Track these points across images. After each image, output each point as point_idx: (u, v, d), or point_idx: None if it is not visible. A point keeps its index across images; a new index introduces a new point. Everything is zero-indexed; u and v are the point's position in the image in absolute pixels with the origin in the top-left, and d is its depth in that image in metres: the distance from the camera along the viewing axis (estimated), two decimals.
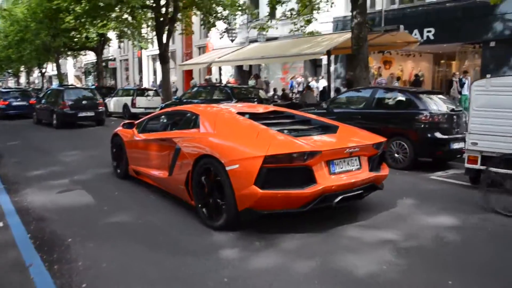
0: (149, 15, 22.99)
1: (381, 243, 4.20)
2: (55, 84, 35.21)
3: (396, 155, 7.91)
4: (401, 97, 8.23)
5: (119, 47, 35.91)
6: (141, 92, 18.75)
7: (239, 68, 27.66)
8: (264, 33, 17.03)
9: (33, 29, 32.63)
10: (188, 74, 32.68)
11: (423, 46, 19.01)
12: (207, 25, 21.77)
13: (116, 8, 21.29)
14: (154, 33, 29.56)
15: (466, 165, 6.44)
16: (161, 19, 20.85)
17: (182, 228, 4.64)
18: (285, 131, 4.71)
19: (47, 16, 28.17)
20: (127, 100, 18.14)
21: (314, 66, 24.74)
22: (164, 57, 21.28)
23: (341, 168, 4.40)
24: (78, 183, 6.65)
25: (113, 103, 19.18)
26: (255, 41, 20.05)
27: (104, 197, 5.86)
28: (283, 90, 18.97)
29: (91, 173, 7.37)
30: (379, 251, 4.01)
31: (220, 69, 22.45)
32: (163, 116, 6.67)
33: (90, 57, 44.96)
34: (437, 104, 7.96)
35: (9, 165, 8.25)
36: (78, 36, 27.62)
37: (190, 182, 4.75)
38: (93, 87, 23.94)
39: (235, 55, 16.55)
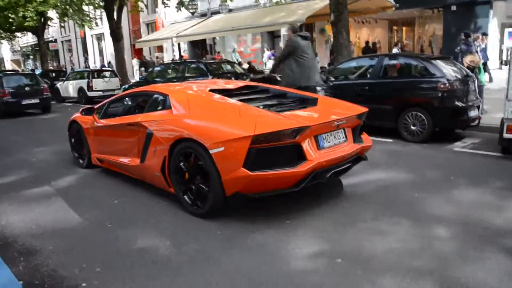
0: None
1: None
2: None
3: (412, 127, 7.02)
4: (414, 64, 7.29)
5: (62, 26, 32.51)
6: (97, 73, 16.64)
7: (193, 44, 25.86)
8: (227, 3, 15.45)
9: None
10: (138, 53, 30.34)
11: (382, 13, 18.36)
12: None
13: None
14: (98, 11, 27.01)
15: (506, 135, 5.69)
16: None
17: None
18: (265, 108, 4.27)
19: None
20: (82, 83, 16.06)
21: (272, 37, 23.52)
22: (116, 34, 19.26)
23: (329, 142, 4.08)
24: (59, 191, 5.18)
25: (66, 87, 16.97)
26: (217, 12, 18.38)
27: (100, 208, 4.50)
28: (249, 63, 17.64)
29: (67, 174, 5.89)
30: None
31: (179, 45, 20.61)
32: (126, 99, 6.03)
33: (27, 39, 40.90)
34: (451, 71, 7.11)
35: None
36: (13, 16, 24.51)
37: (167, 169, 4.26)
38: (39, 71, 21.35)
39: (199, 28, 14.92)
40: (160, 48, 30.17)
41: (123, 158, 5.12)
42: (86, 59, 35.05)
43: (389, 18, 23.27)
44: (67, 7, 21.36)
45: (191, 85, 5.43)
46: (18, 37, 36.31)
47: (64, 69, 27.44)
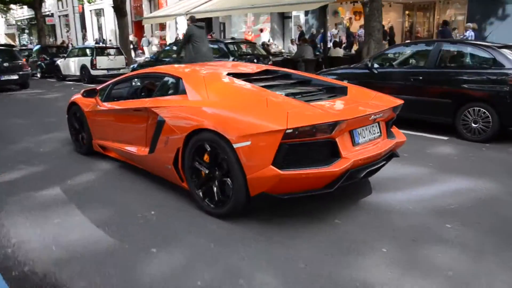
0: None
1: None
2: None
3: (473, 125, 6.14)
4: (479, 53, 6.34)
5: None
6: (101, 50, 15.41)
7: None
8: None
9: None
10: (139, 30, 29.01)
11: None
12: None
13: None
14: None
15: None
16: None
17: None
18: (291, 96, 3.70)
19: None
20: (85, 60, 14.88)
21: (282, 18, 22.36)
22: (120, 9, 17.95)
23: (364, 137, 3.57)
24: (79, 194, 4.25)
25: (68, 65, 15.76)
26: None
27: (136, 222, 3.58)
28: (263, 44, 16.57)
29: (85, 170, 4.96)
30: None
31: (176, 23, 19.28)
32: (132, 80, 5.48)
33: (22, 12, 39.16)
34: None
35: None
36: None
37: (181, 162, 3.78)
38: (38, 46, 20.01)
39: (213, 4, 13.77)
40: (162, 26, 28.85)
41: (129, 146, 4.58)
42: (84, 36, 33.58)
43: (404, 2, 22.19)
44: None
45: (206, 67, 4.77)
46: (13, 9, 34.69)
47: (70, 45, 25.89)
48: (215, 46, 10.39)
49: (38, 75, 17.83)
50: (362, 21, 21.30)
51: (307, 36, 17.00)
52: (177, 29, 26.22)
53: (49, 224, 3.58)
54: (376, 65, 7.19)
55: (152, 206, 3.89)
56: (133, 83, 5.51)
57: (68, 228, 3.50)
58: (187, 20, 9.87)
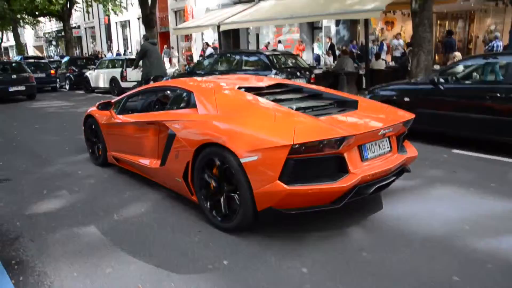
0: None
1: None
2: (16, 56, 30.19)
3: None
4: None
5: (88, 11, 31.05)
6: (131, 62, 14.88)
7: (224, 34, 24.15)
8: None
9: None
10: (163, 42, 28.75)
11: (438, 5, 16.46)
12: None
13: None
14: None
15: None
16: None
17: None
18: (301, 110, 3.71)
19: None
20: (115, 72, 14.49)
21: (311, 28, 21.72)
22: (150, 20, 17.58)
23: (373, 152, 3.54)
24: (128, 233, 3.63)
25: (97, 77, 15.43)
26: None
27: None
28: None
29: (133, 200, 4.37)
30: None
31: (202, 34, 18.75)
32: (145, 94, 5.48)
33: (51, 25, 39.62)
34: None
35: None
36: None
37: (191, 175, 3.79)
38: (67, 58, 19.83)
39: (246, 15, 13.22)
40: (187, 37, 28.58)
41: (141, 159, 4.61)
42: (109, 47, 33.61)
43: (437, 11, 21.35)
44: None
45: (218, 81, 4.76)
46: (42, 22, 35.03)
47: (103, 55, 25.75)
48: (256, 58, 9.76)
49: (67, 87, 17.58)
50: (394, 31, 20.63)
51: (340, 47, 16.32)
52: (203, 40, 25.96)
53: (99, 275, 2.96)
54: (442, 80, 6.43)
55: (222, 253, 3.23)
56: (147, 96, 5.48)
57: (122, 281, 2.87)
58: (142, 37, 12.17)
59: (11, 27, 34.53)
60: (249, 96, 3.94)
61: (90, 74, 16.00)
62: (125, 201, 4.39)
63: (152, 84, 5.79)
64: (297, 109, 3.73)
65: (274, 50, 14.56)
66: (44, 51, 42.98)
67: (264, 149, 3.12)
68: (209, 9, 21.12)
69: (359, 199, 3.52)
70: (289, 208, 3.20)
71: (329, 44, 17.67)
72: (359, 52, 16.50)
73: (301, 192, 3.07)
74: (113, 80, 14.51)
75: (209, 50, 18.75)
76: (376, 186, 3.43)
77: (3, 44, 43.38)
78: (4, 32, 40.28)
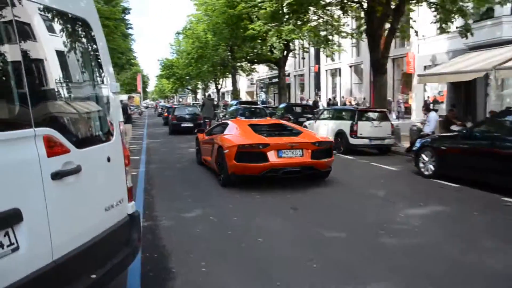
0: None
1: None
2: (232, 101, 31.47)
3: None
4: None
5: (303, 57, 30.45)
6: (364, 114, 11.94)
7: (453, 85, 19.38)
8: None
9: (212, 45, 29.56)
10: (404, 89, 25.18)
11: None
12: (443, 24, 14.50)
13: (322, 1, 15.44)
14: (349, 41, 23.44)
15: None
16: (377, 14, 14.30)
17: None
18: (263, 134, 7.49)
19: (228, 25, 24.21)
20: (343, 125, 11.63)
21: None
22: (381, 66, 14.60)
23: (287, 154, 6.91)
24: None
25: (318, 128, 12.88)
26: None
27: None
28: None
29: None
30: None
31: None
32: (219, 125, 9.26)
33: (262, 72, 41.27)
34: None
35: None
36: (261, 45, 22.94)
37: (215, 160, 7.73)
38: (284, 105, 18.44)
39: None
40: (404, 88, 24.80)
41: (207, 158, 8.73)
42: (316, 94, 32.33)
43: None
44: (322, 32, 17.97)
45: (244, 120, 10.41)
46: (256, 71, 36.39)
47: (321, 105, 24.23)
48: None
49: None
50: None
51: None
52: (425, 91, 21.81)
53: None
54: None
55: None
56: (216, 127, 9.27)
57: None
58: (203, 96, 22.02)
59: (230, 74, 36.98)
60: (246, 126, 7.91)
61: (309, 124, 13.71)
62: None
63: (218, 122, 11.28)
64: (262, 133, 7.52)
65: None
66: (255, 97, 45.01)
67: (229, 146, 7.03)
68: (436, 56, 17.05)
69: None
70: (239, 174, 6.95)
71: None
72: None
73: (242, 166, 6.82)
74: (339, 134, 11.69)
75: None
76: (284, 170, 6.84)
77: (221, 89, 47.48)
78: (224, 79, 43.88)
